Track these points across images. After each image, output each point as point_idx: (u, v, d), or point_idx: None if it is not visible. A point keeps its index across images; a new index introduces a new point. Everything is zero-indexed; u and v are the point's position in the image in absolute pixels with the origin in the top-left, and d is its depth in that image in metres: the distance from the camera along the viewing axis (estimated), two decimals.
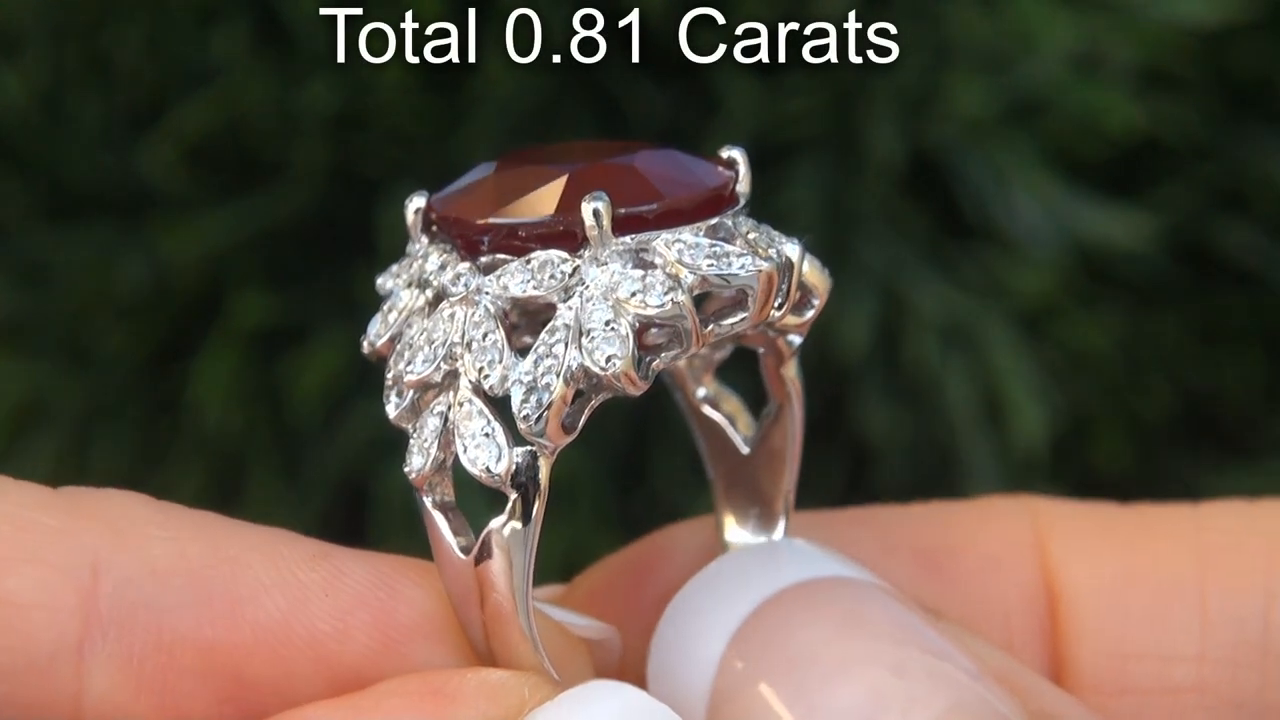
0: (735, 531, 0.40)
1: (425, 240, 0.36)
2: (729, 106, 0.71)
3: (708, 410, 0.40)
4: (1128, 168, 0.75)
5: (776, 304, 0.35)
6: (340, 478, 0.75)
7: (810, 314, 0.37)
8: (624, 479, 0.72)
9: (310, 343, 0.74)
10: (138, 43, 0.75)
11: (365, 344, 0.36)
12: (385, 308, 0.36)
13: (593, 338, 0.32)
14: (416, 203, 0.36)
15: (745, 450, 0.40)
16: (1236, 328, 0.78)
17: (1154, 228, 0.72)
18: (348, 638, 0.33)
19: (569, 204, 0.34)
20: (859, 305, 0.72)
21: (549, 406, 0.32)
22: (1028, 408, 0.71)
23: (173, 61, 0.75)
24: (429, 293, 0.35)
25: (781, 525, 0.40)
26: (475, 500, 0.35)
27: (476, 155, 0.74)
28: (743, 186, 0.36)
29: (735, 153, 0.36)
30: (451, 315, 0.34)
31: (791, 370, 0.38)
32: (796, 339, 0.38)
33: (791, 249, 0.35)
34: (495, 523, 0.33)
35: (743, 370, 0.42)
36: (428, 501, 0.34)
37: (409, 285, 0.36)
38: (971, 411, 0.73)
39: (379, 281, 0.37)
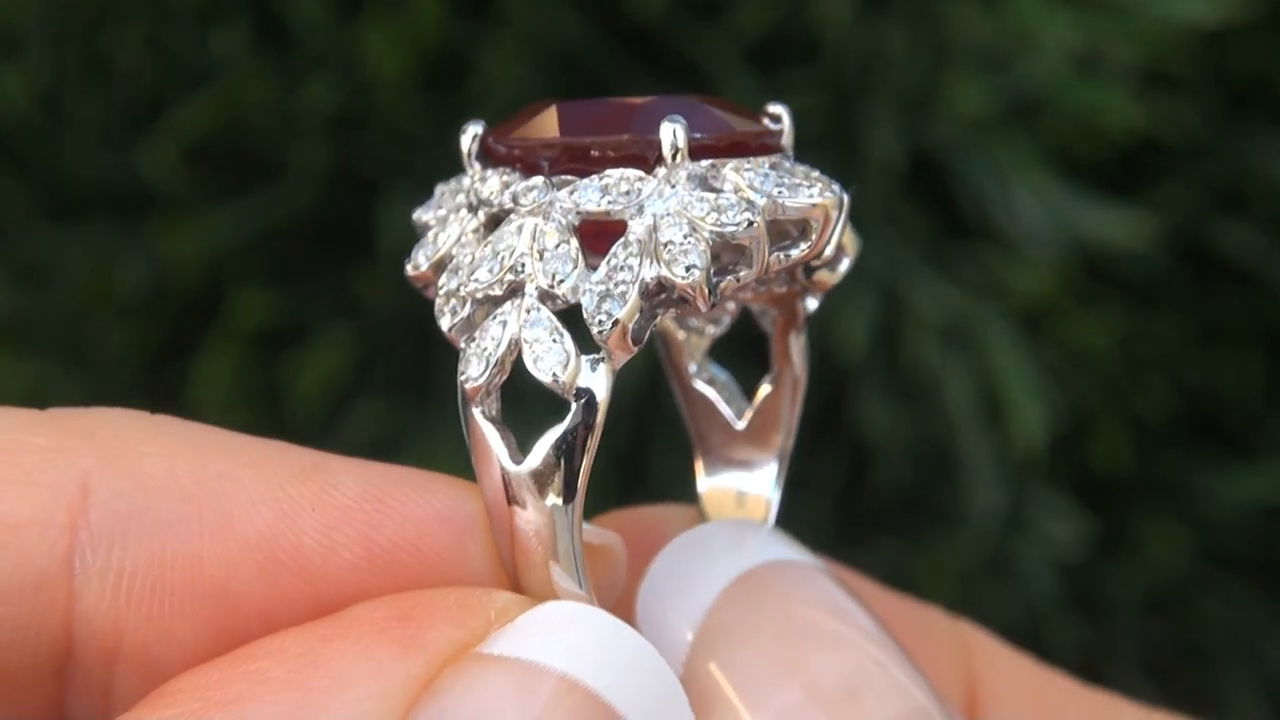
0: (719, 508, 0.41)
1: (479, 166, 0.36)
2: None
3: (701, 386, 0.41)
4: (1128, 168, 0.75)
5: (830, 241, 0.35)
6: None
7: (842, 269, 0.38)
8: (625, 478, 0.72)
9: (310, 342, 0.74)
10: (138, 43, 0.75)
11: (410, 267, 0.36)
12: (432, 233, 0.36)
13: (670, 250, 0.33)
14: (474, 129, 0.37)
15: (739, 424, 0.41)
16: (1236, 328, 0.78)
17: (1154, 228, 0.72)
18: (333, 553, 0.34)
19: (645, 126, 0.35)
20: (859, 305, 0.72)
21: (622, 314, 0.33)
22: (1027, 407, 0.71)
23: (173, 61, 0.75)
24: (481, 214, 0.36)
25: (772, 502, 0.40)
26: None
27: None
28: (787, 139, 0.37)
29: (780, 108, 0.37)
30: (519, 228, 0.34)
31: (802, 338, 0.39)
32: (814, 303, 0.38)
33: (844, 193, 0.36)
34: (548, 436, 0.33)
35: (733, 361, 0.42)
36: (477, 413, 0.34)
37: (457, 210, 0.36)
38: (971, 411, 0.73)
39: (415, 215, 0.38)
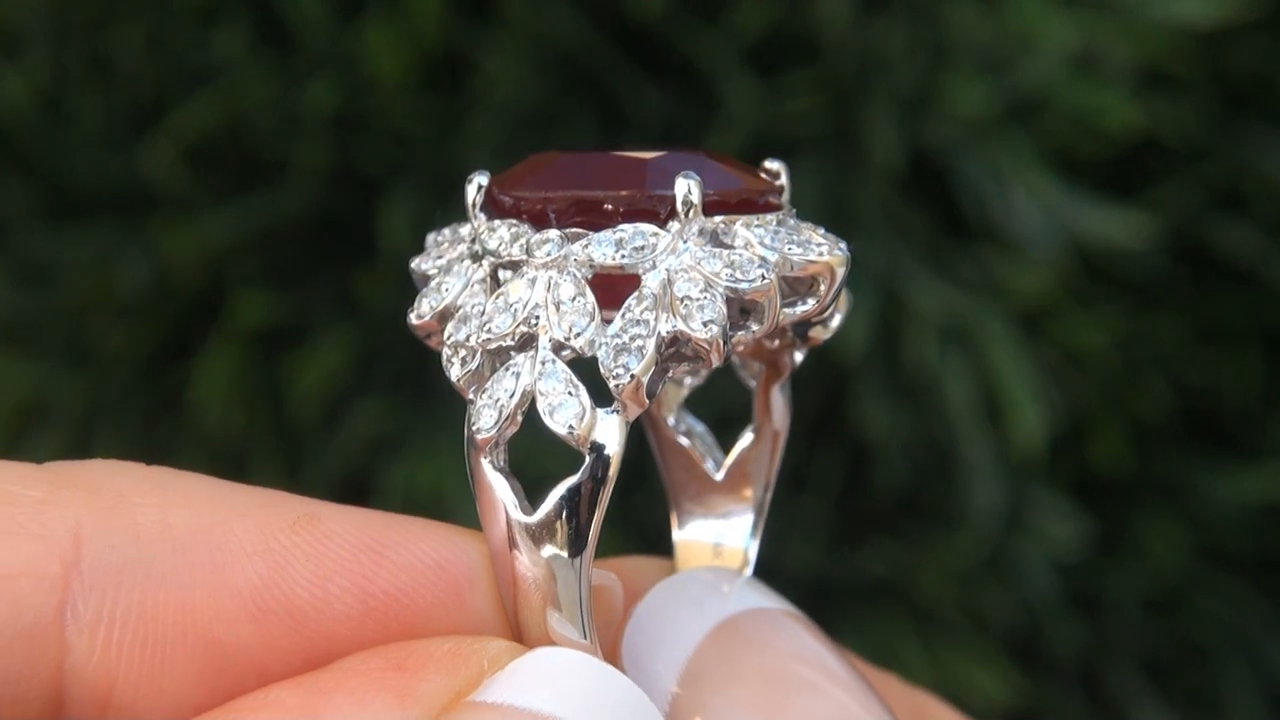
0: (695, 560, 0.41)
1: (484, 217, 0.37)
2: (729, 106, 0.72)
3: (680, 438, 0.41)
4: (1127, 168, 0.75)
5: (833, 299, 0.36)
6: (341, 476, 0.75)
7: (834, 325, 0.38)
8: (626, 479, 0.72)
9: (310, 342, 0.74)
10: (138, 43, 0.75)
11: (414, 317, 0.36)
12: (435, 282, 0.37)
13: (687, 305, 0.33)
14: (479, 180, 0.37)
15: (717, 476, 0.41)
16: (1235, 328, 0.78)
17: (1153, 228, 0.72)
18: (326, 604, 0.33)
19: (656, 181, 0.35)
20: (859, 305, 0.72)
21: (639, 369, 0.33)
22: (1026, 407, 0.71)
23: (174, 62, 0.75)
24: (486, 265, 0.36)
25: (750, 552, 0.40)
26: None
27: (476, 155, 0.74)
28: (786, 197, 0.37)
29: (778, 165, 0.37)
30: (533, 280, 0.35)
31: (785, 392, 0.39)
32: (800, 356, 0.39)
33: (847, 250, 0.37)
34: (560, 488, 0.33)
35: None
36: (486, 463, 0.34)
37: (460, 260, 0.36)
38: (971, 411, 0.73)
39: (414, 265, 0.38)
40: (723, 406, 0.44)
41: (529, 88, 0.72)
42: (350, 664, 0.33)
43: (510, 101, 0.72)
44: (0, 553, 0.33)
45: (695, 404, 0.42)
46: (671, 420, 0.41)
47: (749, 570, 0.40)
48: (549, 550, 0.33)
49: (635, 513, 0.71)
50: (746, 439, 0.40)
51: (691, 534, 0.41)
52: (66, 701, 0.33)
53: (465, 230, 0.37)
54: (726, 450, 0.41)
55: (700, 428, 0.41)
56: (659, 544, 0.42)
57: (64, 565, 0.33)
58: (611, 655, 0.36)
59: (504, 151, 0.71)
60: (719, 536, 0.41)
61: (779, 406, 0.39)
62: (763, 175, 0.37)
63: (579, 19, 0.72)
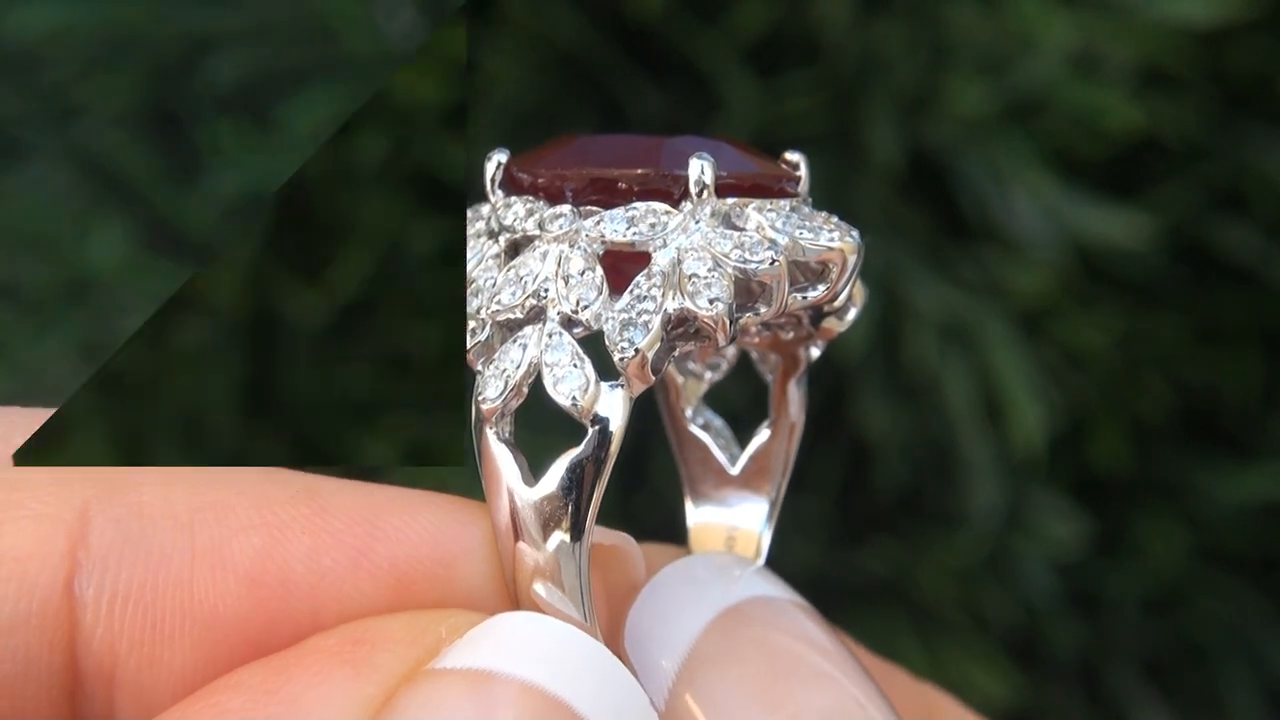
0: (708, 546, 0.41)
1: (501, 194, 0.37)
2: (729, 106, 0.72)
3: (698, 432, 0.41)
4: (1127, 168, 0.75)
5: (847, 284, 0.36)
6: (341, 476, 0.75)
7: (849, 318, 0.38)
8: (627, 479, 0.72)
9: None
10: None
11: None
12: None
13: (695, 283, 0.34)
14: (497, 158, 0.37)
15: (733, 470, 0.41)
16: (1234, 327, 0.78)
17: (1153, 228, 0.72)
18: (321, 576, 0.34)
19: (671, 162, 0.35)
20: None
21: (644, 343, 0.34)
22: (1026, 407, 0.71)
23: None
24: (503, 241, 0.36)
25: (763, 539, 0.40)
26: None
27: (477, 155, 0.74)
28: (803, 187, 0.38)
29: (798, 156, 0.38)
30: (544, 254, 0.35)
31: (802, 386, 0.39)
32: (816, 351, 0.39)
33: (860, 239, 0.37)
34: (562, 460, 0.34)
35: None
36: (491, 434, 0.34)
37: (477, 236, 0.37)
38: (971, 411, 0.73)
39: None
40: (731, 404, 0.45)
41: (529, 87, 0.72)
42: (312, 642, 0.33)
43: (510, 101, 0.72)
44: (10, 536, 0.33)
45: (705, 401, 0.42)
46: (690, 413, 0.41)
47: (762, 559, 0.40)
48: (548, 523, 0.34)
49: (636, 511, 0.71)
50: (763, 435, 0.40)
51: (705, 521, 0.41)
52: (83, 678, 0.34)
53: (486, 209, 0.37)
54: (743, 446, 0.41)
55: (719, 422, 0.42)
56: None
57: (71, 541, 0.33)
58: (611, 640, 0.36)
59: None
60: (733, 523, 0.41)
61: (795, 400, 0.39)
62: (783, 165, 0.37)
63: (579, 19, 0.72)
